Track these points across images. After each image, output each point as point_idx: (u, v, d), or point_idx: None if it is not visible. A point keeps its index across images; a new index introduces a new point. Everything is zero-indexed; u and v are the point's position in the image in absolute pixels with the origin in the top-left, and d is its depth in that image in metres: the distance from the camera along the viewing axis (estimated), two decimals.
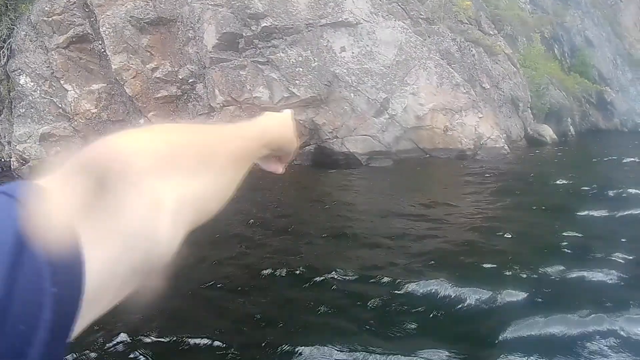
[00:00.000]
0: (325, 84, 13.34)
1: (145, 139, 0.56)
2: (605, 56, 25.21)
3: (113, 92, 14.69)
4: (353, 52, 13.51)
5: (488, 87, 16.54)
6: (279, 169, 1.00)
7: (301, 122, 13.70)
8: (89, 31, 14.52)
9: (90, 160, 0.49)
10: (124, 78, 14.12)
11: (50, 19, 14.52)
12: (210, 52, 13.58)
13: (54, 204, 0.41)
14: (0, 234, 0.35)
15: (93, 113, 14.64)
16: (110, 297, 0.45)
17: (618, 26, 26.05)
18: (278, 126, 0.90)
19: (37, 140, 14.40)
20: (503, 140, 15.04)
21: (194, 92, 14.17)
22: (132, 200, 0.47)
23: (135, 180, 0.48)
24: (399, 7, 15.60)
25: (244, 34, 13.43)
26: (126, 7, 14.14)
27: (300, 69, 13.32)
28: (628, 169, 12.76)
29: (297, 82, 13.28)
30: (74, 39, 14.60)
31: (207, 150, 0.64)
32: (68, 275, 0.38)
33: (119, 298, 0.47)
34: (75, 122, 14.57)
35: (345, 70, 13.32)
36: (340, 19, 13.46)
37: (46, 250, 0.36)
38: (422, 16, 15.96)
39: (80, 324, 0.40)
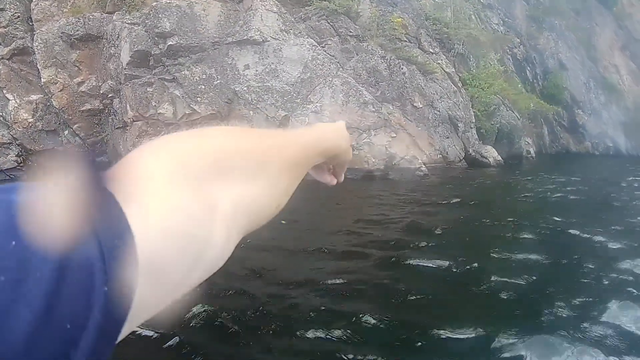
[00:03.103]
0: (226, 102, 12.03)
1: (202, 142, 0.50)
2: (578, 79, 22.63)
3: (48, 104, 13.89)
4: (257, 70, 12.13)
5: (420, 106, 14.76)
6: (333, 180, 0.87)
7: None
8: (29, 44, 13.72)
9: (144, 160, 0.42)
10: (52, 91, 13.28)
11: None
12: (125, 68, 12.51)
13: (112, 198, 0.34)
14: (51, 227, 0.29)
15: (29, 122, 13.85)
16: (158, 301, 0.38)
17: (593, 50, 23.35)
18: (334, 135, 0.77)
19: None
20: (420, 161, 13.29)
21: (112, 106, 13.22)
22: (187, 201, 0.41)
23: (190, 183, 0.43)
24: (327, 24, 14.14)
25: (152, 52, 12.36)
26: (59, 23, 13.34)
27: (203, 87, 12.06)
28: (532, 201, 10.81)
29: (198, 99, 12.04)
30: (15, 51, 13.80)
31: (263, 155, 0.56)
32: (120, 274, 0.32)
33: (166, 303, 0.40)
34: (14, 131, 13.89)
35: (245, 88, 11.96)
36: (245, 37, 12.12)
37: (99, 247, 0.31)
38: (351, 33, 14.43)
39: (127, 328, 0.34)
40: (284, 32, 12.44)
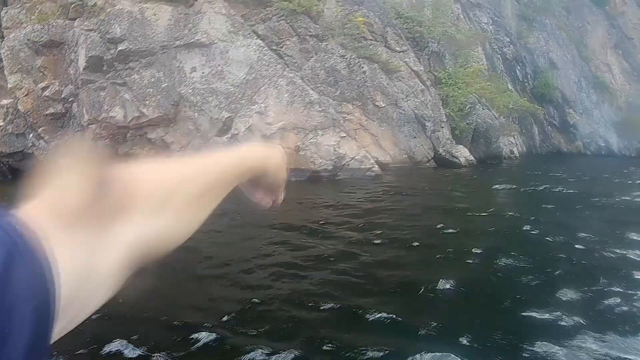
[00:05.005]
0: (172, 104, 11.94)
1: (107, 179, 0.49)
2: (569, 78, 21.61)
3: (18, 108, 14.23)
4: (203, 72, 12.01)
5: (383, 105, 14.35)
6: (267, 201, 0.82)
7: (152, 140, 12.49)
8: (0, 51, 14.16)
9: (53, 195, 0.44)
10: (17, 96, 13.55)
11: None
12: (82, 73, 12.65)
13: (33, 223, 0.38)
14: None
15: (0, 126, 14.24)
16: (61, 328, 0.40)
17: (584, 48, 22.23)
18: (262, 153, 0.76)
19: None
20: (372, 161, 12.91)
21: (71, 110, 13.37)
22: (86, 240, 0.43)
23: (88, 222, 0.44)
24: (286, 24, 13.94)
25: (105, 57, 12.41)
26: (26, 30, 13.59)
27: (151, 90, 12.02)
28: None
29: (147, 102, 11.99)
30: None
31: (170, 189, 0.55)
32: (43, 285, 0.36)
33: (68, 328, 0.42)
34: None
35: (190, 90, 11.85)
36: (192, 40, 12.04)
37: (25, 260, 0.35)
38: (310, 33, 14.17)
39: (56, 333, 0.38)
40: (232, 34, 12.29)
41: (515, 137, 20.61)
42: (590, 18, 22.75)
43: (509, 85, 21.80)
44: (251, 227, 6.65)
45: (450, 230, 6.33)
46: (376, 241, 5.81)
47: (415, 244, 5.64)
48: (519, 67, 22.17)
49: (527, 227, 6.50)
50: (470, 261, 4.99)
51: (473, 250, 5.29)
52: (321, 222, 6.95)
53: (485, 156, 17.31)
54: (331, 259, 5.11)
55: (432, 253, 5.34)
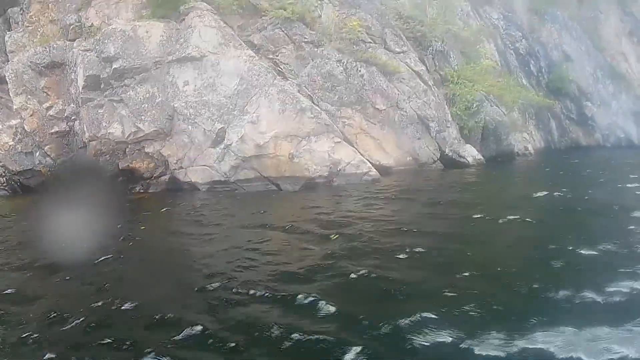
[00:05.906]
0: (167, 118, 11.99)
1: None
2: (584, 70, 20.81)
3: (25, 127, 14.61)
4: (195, 85, 12.02)
5: (383, 107, 14.04)
6: None
7: (150, 154, 12.59)
8: (5, 74, 14.60)
9: None
10: (23, 116, 13.92)
11: None
12: (81, 92, 12.89)
13: None
14: None
15: (10, 145, 14.57)
16: None
17: (598, 39, 21.43)
18: None
19: None
20: (369, 165, 12.67)
21: (74, 128, 13.66)
22: None
23: None
24: (281, 32, 13.93)
25: (101, 76, 12.62)
26: (28, 53, 13.96)
27: (146, 105, 12.10)
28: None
29: (142, 117, 12.09)
30: None
31: None
32: None
33: None
34: None
35: (183, 104, 11.87)
36: (184, 54, 12.08)
37: None
38: (306, 40, 14.07)
39: None
40: (223, 46, 12.28)
41: (531, 132, 19.98)
42: (603, 7, 21.90)
43: (523, 80, 21.21)
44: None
45: (408, 228, 6.12)
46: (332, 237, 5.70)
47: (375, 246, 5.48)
48: (532, 62, 21.53)
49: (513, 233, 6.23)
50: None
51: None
52: (288, 225, 6.84)
53: (497, 154, 16.74)
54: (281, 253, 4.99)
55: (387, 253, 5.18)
